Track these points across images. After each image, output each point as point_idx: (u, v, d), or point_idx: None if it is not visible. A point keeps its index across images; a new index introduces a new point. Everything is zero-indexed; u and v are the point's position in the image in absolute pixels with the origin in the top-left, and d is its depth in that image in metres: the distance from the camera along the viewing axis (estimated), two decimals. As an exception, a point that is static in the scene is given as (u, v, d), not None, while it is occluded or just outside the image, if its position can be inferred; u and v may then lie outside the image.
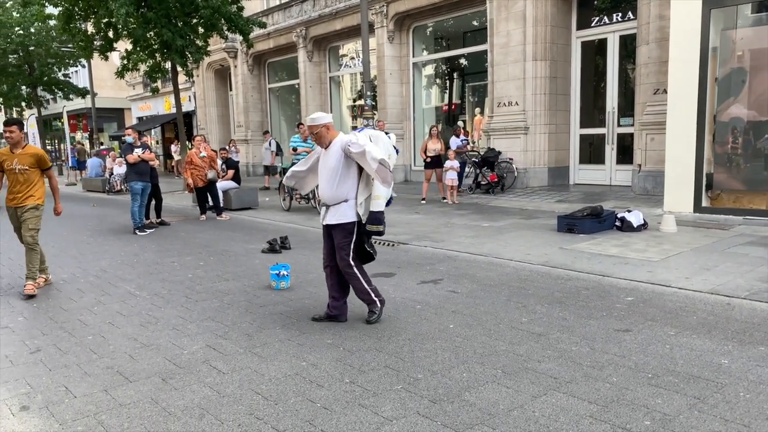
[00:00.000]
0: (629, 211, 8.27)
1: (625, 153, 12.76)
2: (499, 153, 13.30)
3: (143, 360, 4.04)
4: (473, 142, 16.52)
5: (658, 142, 10.44)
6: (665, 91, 9.67)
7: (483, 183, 13.13)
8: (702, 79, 8.58)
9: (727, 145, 8.83)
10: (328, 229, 4.65)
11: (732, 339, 4.01)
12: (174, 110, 20.81)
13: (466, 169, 13.64)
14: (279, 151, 18.34)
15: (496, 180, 12.95)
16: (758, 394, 3.18)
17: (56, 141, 40.15)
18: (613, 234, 7.90)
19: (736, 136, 8.88)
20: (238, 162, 15.19)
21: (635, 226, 7.99)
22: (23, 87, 27.31)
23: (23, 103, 28.48)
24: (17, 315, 5.25)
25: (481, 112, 16.00)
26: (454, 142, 13.49)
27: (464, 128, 14.58)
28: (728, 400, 3.12)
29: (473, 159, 13.56)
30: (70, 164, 26.60)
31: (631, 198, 11.04)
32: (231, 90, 25.36)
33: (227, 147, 18.12)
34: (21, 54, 25.26)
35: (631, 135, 12.28)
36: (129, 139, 10.32)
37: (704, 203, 8.86)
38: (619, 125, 12.93)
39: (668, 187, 9.03)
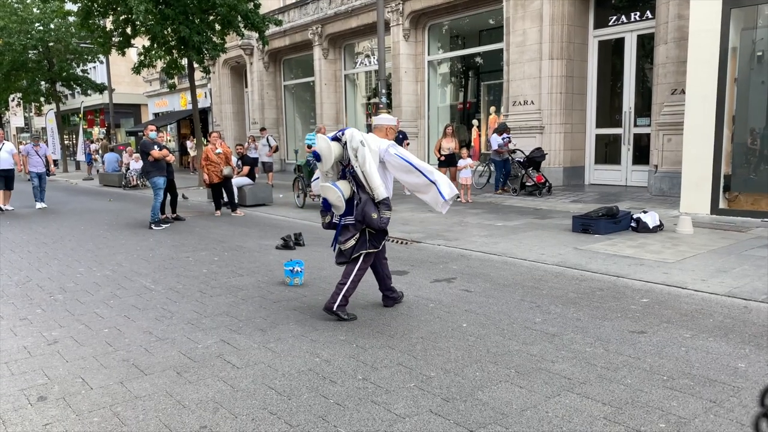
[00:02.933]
0: (645, 212, 8.19)
1: (642, 153, 12.65)
2: (546, 153, 12.69)
3: (158, 353, 4.07)
4: (488, 141, 16.47)
5: (675, 142, 10.34)
6: (683, 92, 9.58)
7: (528, 184, 12.44)
8: (721, 80, 8.48)
9: (746, 146, 8.73)
10: None
11: (749, 342, 3.97)
12: (190, 106, 20.95)
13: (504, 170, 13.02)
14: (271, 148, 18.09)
15: (542, 181, 12.31)
16: (775, 398, 3.14)
17: (74, 136, 40.61)
18: (628, 235, 7.84)
19: (755, 138, 8.78)
20: (255, 159, 15.26)
21: (651, 227, 7.92)
22: (42, 82, 27.64)
23: (42, 98, 28.83)
24: (35, 307, 5.33)
25: (497, 111, 15.95)
26: (495, 140, 12.86)
27: (507, 126, 13.33)
28: (745, 404, 3.08)
29: (518, 159, 12.82)
30: (85, 159, 26.86)
31: (647, 199, 10.95)
32: (246, 87, 25.49)
33: (247, 143, 18.18)
34: (41, 50, 25.57)
35: (648, 135, 12.19)
36: (153, 134, 10.45)
37: (722, 205, 8.76)
38: (635, 125, 12.83)
39: (685, 189, 8.94)
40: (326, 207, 4.66)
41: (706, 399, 3.15)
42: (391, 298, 5.06)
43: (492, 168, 14.48)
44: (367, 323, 4.60)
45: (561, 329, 4.33)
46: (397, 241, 8.18)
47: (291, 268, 5.89)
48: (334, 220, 4.72)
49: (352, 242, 4.64)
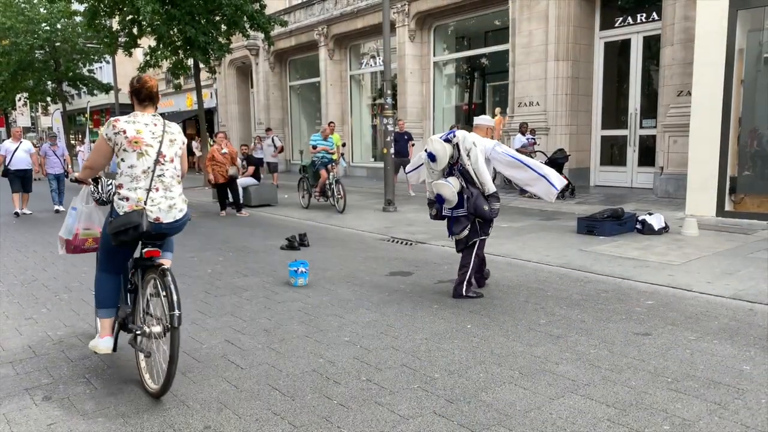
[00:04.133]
0: (650, 214, 8.17)
1: (647, 155, 12.61)
2: (569, 155, 12.32)
3: (163, 353, 4.08)
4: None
5: (681, 144, 10.30)
6: (689, 93, 9.54)
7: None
8: (727, 81, 8.44)
9: (752, 148, 8.69)
10: None
11: (754, 345, 3.95)
12: (196, 107, 21.00)
13: None
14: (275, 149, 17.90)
15: (566, 183, 11.99)
16: (781, 401, 3.13)
17: (80, 136, 40.78)
18: (633, 237, 7.82)
19: (762, 140, 8.74)
20: (260, 159, 15.29)
21: (656, 229, 7.89)
22: (49, 82, 27.76)
23: (48, 98, 28.95)
24: (41, 306, 5.35)
25: (502, 112, 15.92)
26: (519, 140, 12.47)
27: (529, 125, 12.83)
28: (749, 407, 3.07)
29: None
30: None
31: (652, 201, 10.92)
32: (252, 87, 25.54)
33: (253, 143, 18.19)
34: (47, 50, 25.67)
35: (654, 137, 12.14)
36: None
37: (727, 207, 8.72)
38: (641, 127, 12.78)
39: (691, 190, 8.91)
40: (440, 201, 5.20)
41: (711, 401, 3.14)
42: (483, 278, 5.61)
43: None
44: (372, 324, 4.60)
45: (565, 331, 4.32)
46: (401, 242, 8.18)
47: (295, 268, 5.90)
48: (444, 213, 5.24)
49: (466, 232, 5.21)
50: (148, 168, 3.42)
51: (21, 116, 43.23)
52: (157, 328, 3.38)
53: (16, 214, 12.10)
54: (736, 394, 3.23)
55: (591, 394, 3.26)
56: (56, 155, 12.88)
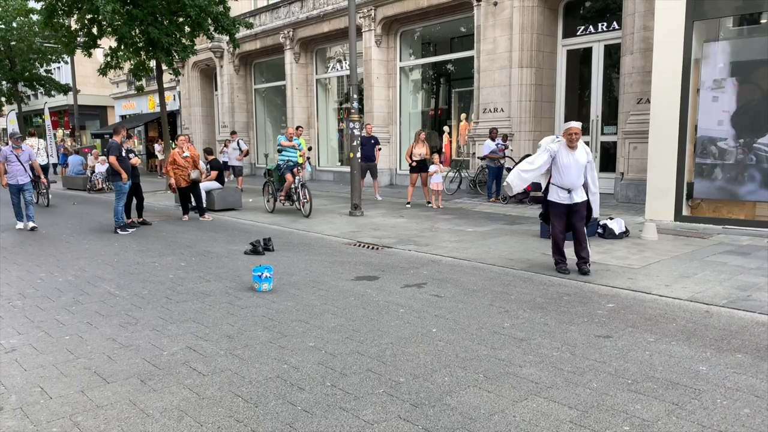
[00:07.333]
0: (611, 219, 8.34)
1: (608, 161, 12.89)
2: None
3: (122, 361, 3.98)
4: (459, 148, 16.59)
5: (641, 150, 10.56)
6: (648, 101, 9.79)
7: (519, 192, 12.04)
8: (684, 90, 8.69)
9: (707, 155, 8.95)
10: (572, 207, 6.26)
11: (710, 346, 4.06)
12: (158, 109, 20.62)
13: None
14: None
15: (531, 189, 11.67)
16: (735, 400, 3.22)
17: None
18: (595, 241, 7.96)
19: (717, 147, 9.00)
20: (225, 163, 15.08)
21: (617, 233, 8.06)
22: (3, 82, 26.94)
23: (3, 99, 28.07)
24: (-7, 313, 5.16)
25: (467, 118, 16.08)
26: (488, 146, 12.56)
27: (499, 131, 12.89)
28: (706, 407, 3.15)
29: (507, 166, 12.30)
30: (59, 161, 26.01)
31: (613, 206, 11.15)
32: (216, 90, 25.21)
33: (221, 148, 17.89)
34: (2, 48, 24.93)
35: (614, 143, 12.42)
36: (124, 138, 10.35)
37: (685, 212, 8.97)
38: (602, 133, 13.06)
39: (650, 196, 9.13)
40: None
41: (669, 401, 3.21)
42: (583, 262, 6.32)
43: (464, 174, 14.58)
44: (337, 329, 4.57)
45: (529, 334, 4.37)
46: (367, 247, 8.16)
47: (260, 273, 5.82)
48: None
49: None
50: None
51: (-26, 117, 41.73)
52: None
53: None
54: (693, 394, 3.31)
55: (554, 397, 3.30)
56: (20, 161, 10.33)
